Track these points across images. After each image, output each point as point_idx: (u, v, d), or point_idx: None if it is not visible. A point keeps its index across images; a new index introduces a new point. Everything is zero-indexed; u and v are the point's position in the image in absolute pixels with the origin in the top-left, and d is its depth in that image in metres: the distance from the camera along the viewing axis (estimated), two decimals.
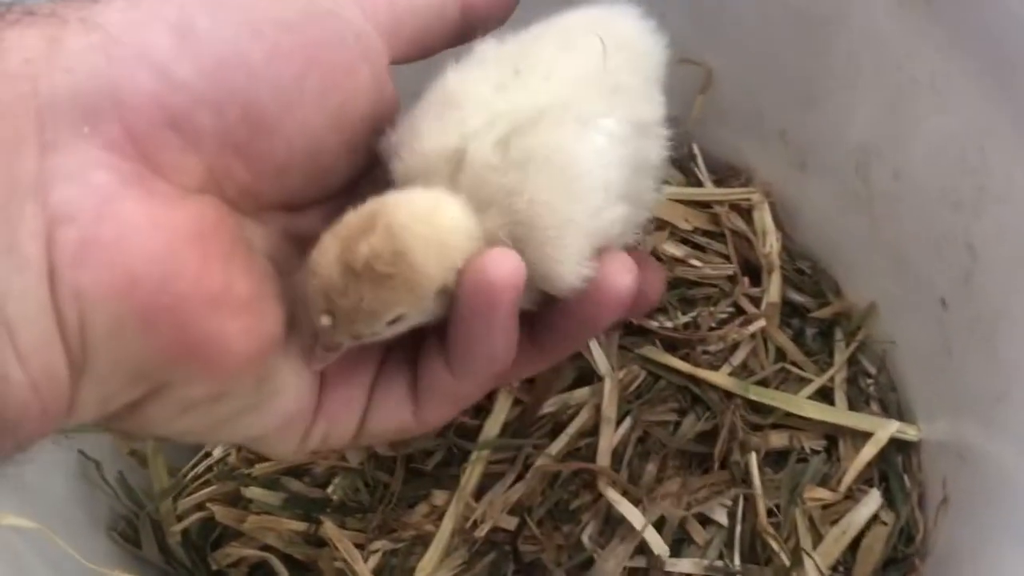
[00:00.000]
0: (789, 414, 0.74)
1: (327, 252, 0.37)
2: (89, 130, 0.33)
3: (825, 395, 0.76)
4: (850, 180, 0.72)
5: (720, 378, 0.74)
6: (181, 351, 0.35)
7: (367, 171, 0.45)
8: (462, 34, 0.44)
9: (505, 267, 0.38)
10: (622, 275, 0.42)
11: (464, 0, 0.43)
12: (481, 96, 0.41)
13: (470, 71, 0.42)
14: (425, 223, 0.37)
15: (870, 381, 0.77)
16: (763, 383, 0.76)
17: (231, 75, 0.36)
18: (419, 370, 0.45)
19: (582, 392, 0.74)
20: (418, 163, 0.41)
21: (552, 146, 0.39)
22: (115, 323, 0.33)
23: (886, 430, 0.71)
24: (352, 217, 0.37)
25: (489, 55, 0.42)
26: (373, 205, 0.37)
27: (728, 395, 0.74)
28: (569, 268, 0.40)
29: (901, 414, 0.74)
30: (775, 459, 0.74)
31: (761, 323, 0.77)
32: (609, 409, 0.72)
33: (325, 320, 0.37)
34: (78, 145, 0.33)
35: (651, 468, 0.72)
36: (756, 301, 0.79)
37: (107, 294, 0.32)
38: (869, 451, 0.71)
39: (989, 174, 0.56)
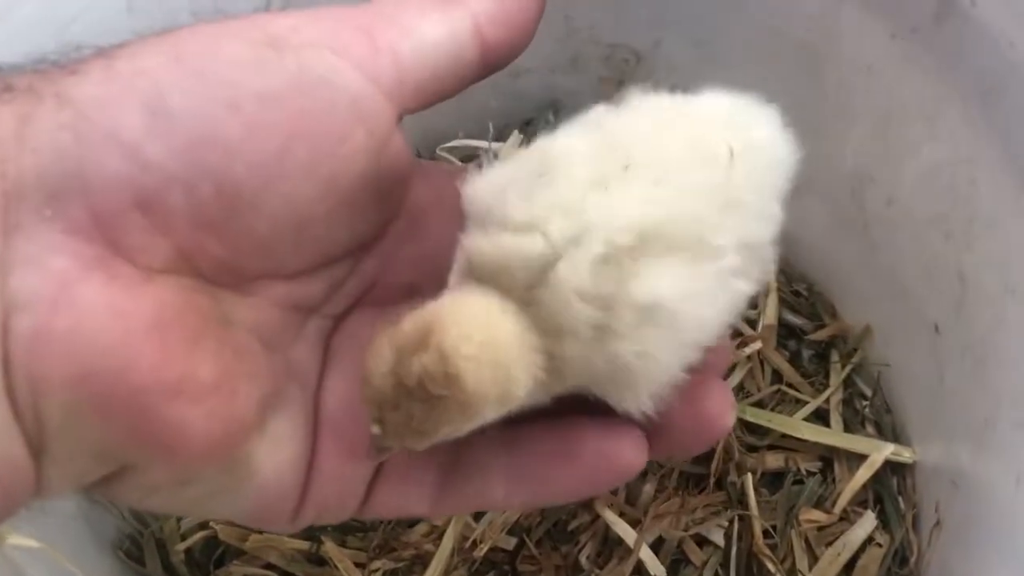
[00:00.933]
0: (785, 435, 0.75)
1: (381, 362, 0.34)
2: (52, 213, 0.32)
3: (821, 416, 0.77)
4: (846, 205, 0.73)
5: None
6: (140, 439, 0.34)
7: (386, 224, 0.43)
8: (481, 73, 0.41)
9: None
10: (725, 415, 0.41)
11: (483, 41, 0.40)
12: (578, 189, 0.35)
13: (574, 152, 0.36)
14: (478, 345, 0.33)
15: (865, 403, 0.78)
16: (759, 404, 0.77)
17: (205, 153, 0.34)
18: (459, 477, 0.43)
19: None
20: (489, 260, 0.36)
21: (666, 297, 0.34)
22: (71, 411, 0.32)
23: (881, 452, 0.72)
24: (408, 325, 0.34)
25: (599, 133, 0.37)
26: (427, 315, 0.34)
27: None
28: (639, 407, 0.37)
29: (896, 436, 0.75)
30: (771, 480, 0.75)
31: (757, 345, 0.78)
32: None
33: (375, 429, 0.35)
34: (40, 229, 0.32)
35: (648, 488, 0.72)
36: (753, 323, 0.80)
37: (62, 384, 0.31)
38: (864, 473, 0.72)
39: (979, 204, 0.58)
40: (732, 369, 0.78)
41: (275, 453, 0.39)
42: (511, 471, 0.43)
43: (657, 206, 0.34)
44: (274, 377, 0.39)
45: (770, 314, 0.80)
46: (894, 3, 0.58)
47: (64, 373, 0.31)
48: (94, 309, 0.32)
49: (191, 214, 0.35)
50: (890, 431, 0.76)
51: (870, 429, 0.77)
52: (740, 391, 0.77)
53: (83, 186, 0.33)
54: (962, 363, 0.63)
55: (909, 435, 0.74)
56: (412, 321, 0.34)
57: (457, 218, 0.41)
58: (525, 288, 0.35)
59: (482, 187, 0.38)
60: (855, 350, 0.79)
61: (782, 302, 0.81)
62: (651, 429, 0.40)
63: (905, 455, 0.72)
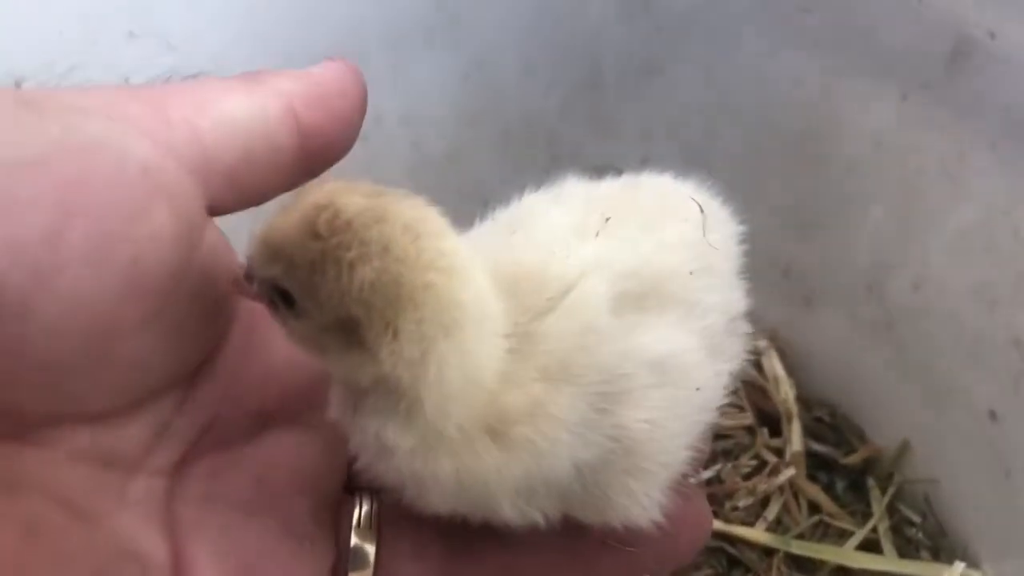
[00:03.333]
0: (837, 569, 0.66)
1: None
2: None
3: (870, 548, 0.69)
4: (863, 306, 0.69)
5: (758, 534, 0.67)
6: None
7: (218, 340, 0.36)
8: (300, 163, 0.35)
9: None
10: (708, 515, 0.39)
11: (299, 125, 0.35)
12: (568, 233, 0.36)
13: (550, 204, 0.37)
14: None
15: (915, 528, 0.70)
16: (800, 538, 0.69)
17: None
18: None
19: None
20: (532, 259, 0.34)
21: (676, 351, 0.34)
22: None
23: (952, 574, 0.63)
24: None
25: (571, 193, 0.38)
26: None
27: (767, 552, 0.67)
28: (647, 507, 0.35)
29: (959, 559, 0.67)
30: None
31: (791, 471, 0.71)
32: None
33: (244, 261, 0.31)
34: None
35: None
36: (778, 452, 0.74)
37: None
38: None
39: None
40: (766, 502, 0.70)
41: None
42: None
43: (647, 256, 0.35)
44: (95, 558, 0.31)
45: (795, 441, 0.73)
46: (901, 60, 0.57)
47: None
48: None
49: None
50: (950, 554, 0.67)
51: (926, 555, 0.68)
52: (778, 525, 0.69)
53: None
54: None
55: (976, 554, 0.66)
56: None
57: None
58: (543, 302, 0.33)
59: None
60: (892, 473, 0.72)
61: (805, 431, 0.75)
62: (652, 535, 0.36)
63: None
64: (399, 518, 0.38)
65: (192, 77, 0.35)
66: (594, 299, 0.33)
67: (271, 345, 0.37)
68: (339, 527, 0.38)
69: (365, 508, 0.38)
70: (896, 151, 0.60)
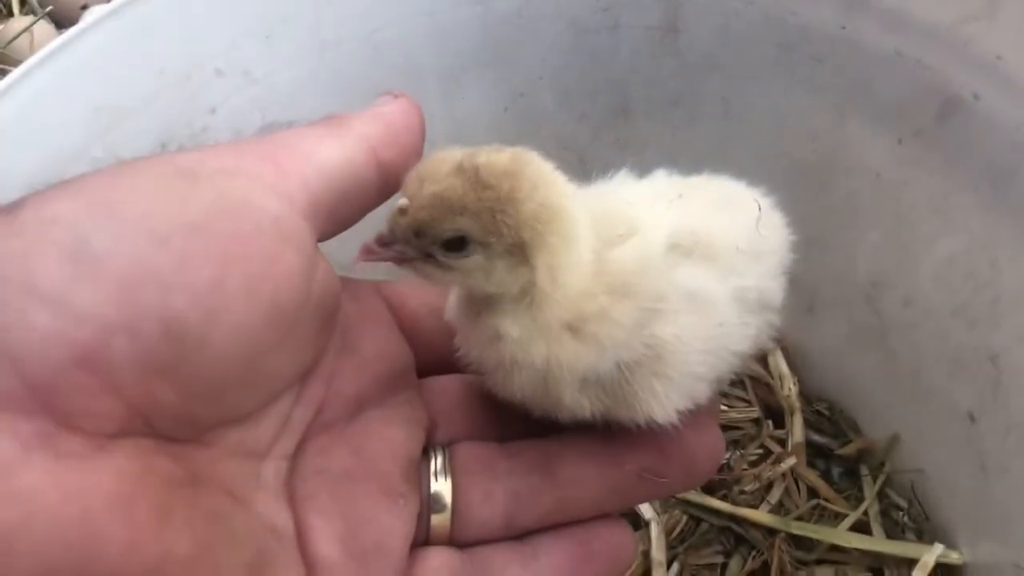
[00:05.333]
0: (831, 548, 0.74)
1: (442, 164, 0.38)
2: None
3: (861, 530, 0.77)
4: (860, 315, 0.76)
5: (762, 516, 0.75)
6: None
7: (325, 345, 0.42)
8: (381, 193, 0.43)
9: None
10: (720, 444, 0.47)
11: (379, 163, 0.42)
12: (647, 198, 0.44)
13: (634, 181, 0.46)
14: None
15: (902, 513, 0.78)
16: (800, 520, 0.76)
17: (140, 292, 0.31)
18: None
19: None
20: (608, 197, 0.43)
21: (704, 288, 0.42)
22: None
23: (932, 554, 0.72)
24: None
25: (657, 177, 0.47)
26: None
27: (770, 532, 0.75)
28: (667, 409, 0.42)
29: (940, 540, 0.74)
30: None
31: (792, 461, 0.79)
32: (659, 553, 0.72)
33: (402, 202, 0.38)
34: None
35: None
36: (781, 442, 0.82)
37: None
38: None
39: (1002, 284, 0.61)
40: (770, 487, 0.78)
41: None
42: None
43: (706, 225, 0.43)
44: (253, 536, 0.37)
45: (797, 433, 0.81)
46: (897, 110, 0.64)
47: (28, 574, 0.28)
48: (45, 495, 0.29)
49: (139, 361, 0.32)
50: (932, 537, 0.75)
51: (911, 537, 0.76)
52: (780, 508, 0.77)
53: (7, 352, 0.29)
54: (1004, 445, 0.64)
55: (954, 537, 0.73)
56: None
57: (385, 328, 0.47)
58: (616, 237, 0.41)
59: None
60: (883, 463, 0.80)
61: (805, 423, 0.83)
62: (668, 451, 0.45)
63: (954, 556, 0.72)
64: (471, 470, 0.46)
65: (288, 126, 0.42)
66: (653, 241, 0.41)
67: (362, 342, 0.45)
68: (421, 482, 0.45)
69: (440, 461, 0.46)
70: (892, 186, 0.67)
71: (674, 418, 0.42)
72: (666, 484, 0.46)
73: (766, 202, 0.49)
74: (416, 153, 0.44)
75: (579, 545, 0.46)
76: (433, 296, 0.49)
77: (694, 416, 0.43)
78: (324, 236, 0.41)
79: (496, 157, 0.38)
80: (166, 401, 0.33)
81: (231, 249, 0.34)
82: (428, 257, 0.40)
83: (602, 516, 0.47)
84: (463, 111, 0.76)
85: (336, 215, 0.41)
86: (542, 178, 0.39)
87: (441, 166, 0.38)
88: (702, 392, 0.44)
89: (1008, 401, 0.63)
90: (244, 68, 0.67)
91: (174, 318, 0.32)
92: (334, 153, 0.41)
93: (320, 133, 0.41)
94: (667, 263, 0.41)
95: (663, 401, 0.42)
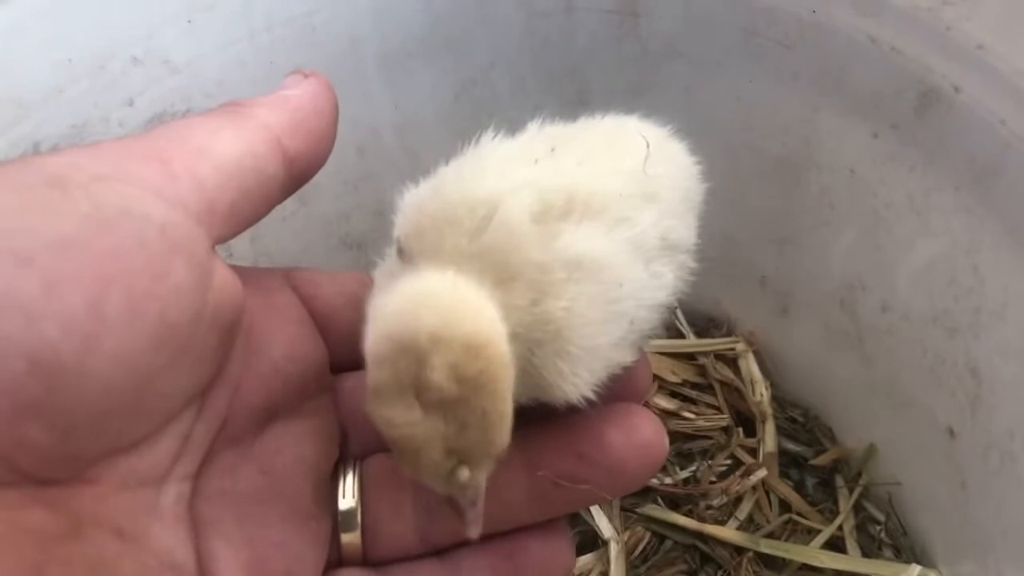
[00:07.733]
0: (803, 567, 0.70)
1: (410, 415, 0.33)
2: None
3: (835, 546, 0.73)
4: (836, 319, 0.71)
5: (729, 533, 0.71)
6: None
7: (227, 354, 0.39)
8: (287, 187, 0.39)
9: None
10: (661, 438, 0.42)
11: (285, 154, 0.38)
12: (511, 162, 0.39)
13: (504, 141, 0.41)
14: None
15: (879, 527, 0.74)
16: (771, 536, 0.72)
17: (2, 322, 0.28)
18: None
19: (586, 559, 0.69)
20: (438, 211, 0.37)
21: (587, 251, 0.37)
22: None
23: (909, 574, 0.67)
24: (384, 372, 0.33)
25: (528, 132, 0.42)
26: (404, 335, 0.33)
27: (738, 550, 0.70)
28: (577, 385, 0.38)
29: (918, 558, 0.70)
30: None
31: (762, 473, 0.74)
32: (618, 574, 0.67)
33: (464, 474, 0.34)
34: None
35: None
36: (752, 451, 0.77)
37: None
38: None
39: (984, 291, 0.56)
40: (739, 501, 0.74)
41: None
42: None
43: (580, 178, 0.38)
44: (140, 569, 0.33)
45: (769, 442, 0.77)
46: (872, 103, 0.58)
47: None
48: None
49: (3, 400, 0.28)
50: (910, 554, 0.71)
51: (888, 554, 0.72)
52: (750, 523, 0.73)
53: None
54: (985, 463, 0.60)
55: (933, 556, 0.69)
56: (383, 362, 0.33)
57: (295, 324, 0.42)
58: (471, 236, 0.36)
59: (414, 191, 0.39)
60: (860, 473, 0.76)
61: (778, 429, 0.78)
62: (587, 454, 0.41)
63: None
64: (379, 484, 0.43)
65: (182, 116, 0.38)
66: (517, 211, 0.36)
67: (271, 343, 0.41)
68: (333, 500, 0.43)
69: (350, 477, 0.43)
70: (867, 183, 0.62)
71: (590, 395, 0.38)
72: (588, 491, 0.42)
73: (659, 133, 0.45)
74: (326, 139, 0.40)
75: (504, 560, 0.42)
76: (350, 283, 0.45)
77: (623, 385, 0.40)
78: (223, 238, 0.36)
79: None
80: (37, 442, 0.29)
81: (108, 268, 0.30)
82: None
83: (535, 526, 0.43)
84: (409, 100, 0.71)
85: (237, 214, 0.36)
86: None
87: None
88: (619, 358, 0.39)
89: (989, 418, 0.59)
90: (164, 56, 0.62)
91: (42, 349, 0.29)
92: (232, 146, 0.36)
93: (216, 124, 0.37)
94: (548, 232, 0.37)
95: (572, 380, 0.38)
